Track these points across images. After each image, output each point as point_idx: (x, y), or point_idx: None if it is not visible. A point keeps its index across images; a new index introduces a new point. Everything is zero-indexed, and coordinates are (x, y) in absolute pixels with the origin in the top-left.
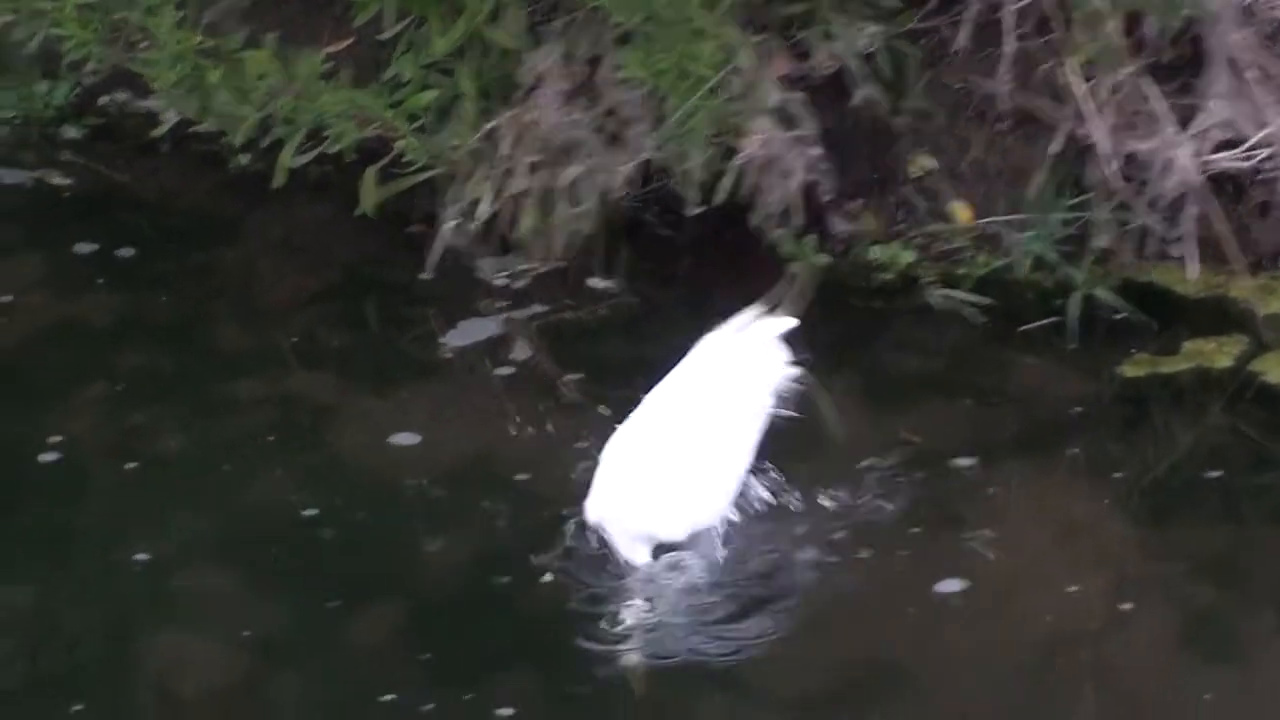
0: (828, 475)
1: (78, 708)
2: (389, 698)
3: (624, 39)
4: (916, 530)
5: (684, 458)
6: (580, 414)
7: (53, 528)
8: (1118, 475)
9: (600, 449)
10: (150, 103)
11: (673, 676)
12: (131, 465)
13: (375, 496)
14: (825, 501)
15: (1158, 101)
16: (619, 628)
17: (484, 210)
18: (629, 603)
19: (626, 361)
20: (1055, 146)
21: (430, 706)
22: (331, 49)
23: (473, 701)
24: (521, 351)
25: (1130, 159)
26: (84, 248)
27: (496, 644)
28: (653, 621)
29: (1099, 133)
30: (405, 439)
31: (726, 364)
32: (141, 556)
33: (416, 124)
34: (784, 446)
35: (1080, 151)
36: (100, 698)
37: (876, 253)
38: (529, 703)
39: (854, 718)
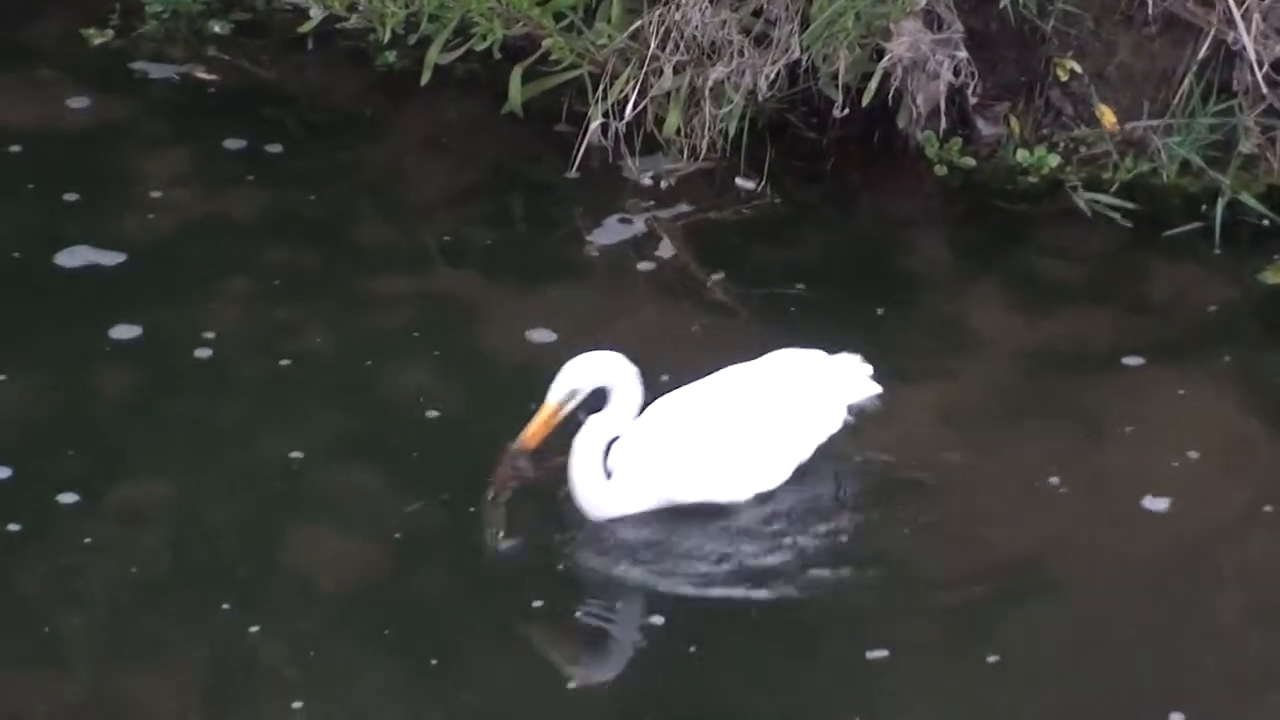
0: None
1: (226, 605)
2: (537, 603)
3: None
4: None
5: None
6: (723, 314)
7: (204, 422)
8: (1268, 382)
9: (731, 349)
10: None
11: (852, 555)
12: (283, 362)
13: (514, 392)
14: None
15: None
16: None
17: (630, 109)
18: None
19: (771, 262)
20: (1203, 50)
21: (575, 610)
22: None
23: (623, 610)
24: (665, 250)
25: (1278, 64)
26: (232, 144)
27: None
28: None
29: (1247, 37)
30: (543, 335)
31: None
32: (288, 453)
33: (563, 22)
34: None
35: (1228, 56)
36: (246, 592)
37: (1022, 156)
38: (677, 606)
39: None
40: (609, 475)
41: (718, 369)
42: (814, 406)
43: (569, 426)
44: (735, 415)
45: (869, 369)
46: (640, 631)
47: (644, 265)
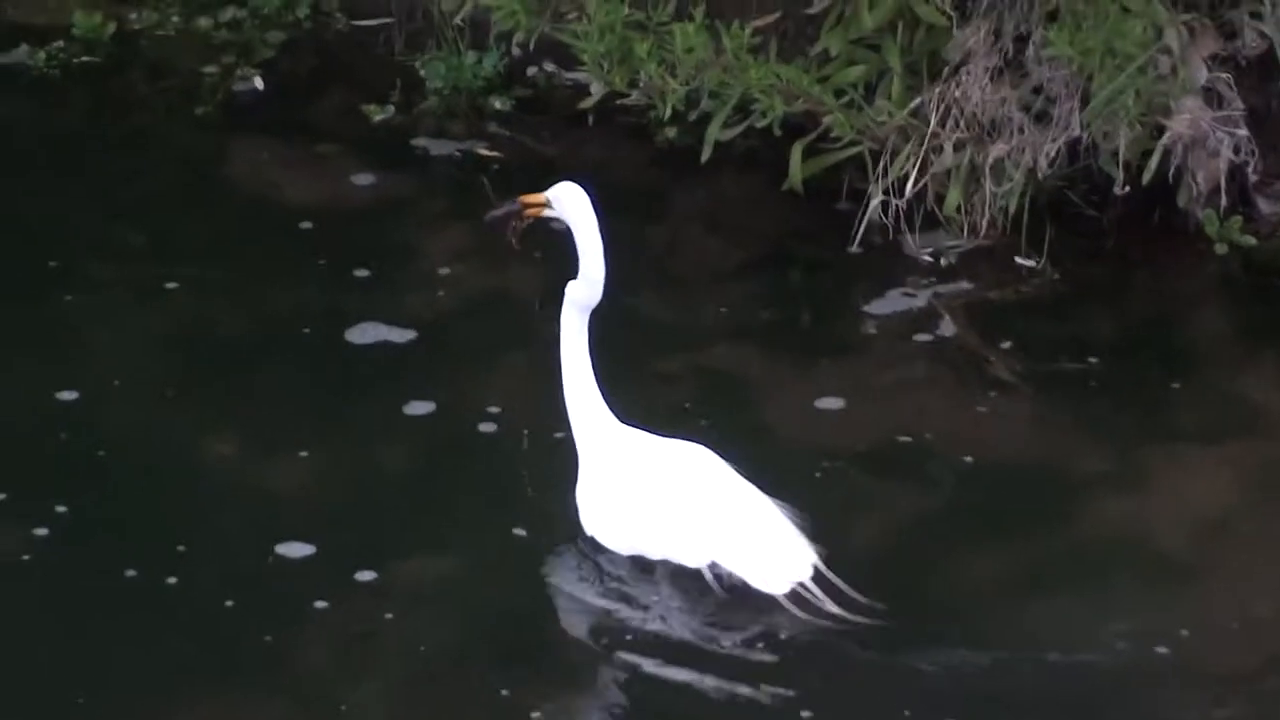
0: None
1: (504, 691)
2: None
3: (1052, 16)
4: None
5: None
6: (1008, 390)
7: (491, 498)
8: None
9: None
10: (578, 74)
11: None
12: (557, 434)
13: (802, 460)
14: None
15: None
16: None
17: (910, 186)
18: None
19: (1053, 339)
20: None
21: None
22: (759, 23)
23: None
24: (947, 327)
25: None
26: None
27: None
28: None
29: None
30: (830, 403)
31: None
32: (574, 530)
33: (844, 99)
34: None
35: None
36: (530, 673)
37: None
38: None
39: None
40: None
41: (1009, 445)
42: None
43: None
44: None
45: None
46: None
47: (926, 341)
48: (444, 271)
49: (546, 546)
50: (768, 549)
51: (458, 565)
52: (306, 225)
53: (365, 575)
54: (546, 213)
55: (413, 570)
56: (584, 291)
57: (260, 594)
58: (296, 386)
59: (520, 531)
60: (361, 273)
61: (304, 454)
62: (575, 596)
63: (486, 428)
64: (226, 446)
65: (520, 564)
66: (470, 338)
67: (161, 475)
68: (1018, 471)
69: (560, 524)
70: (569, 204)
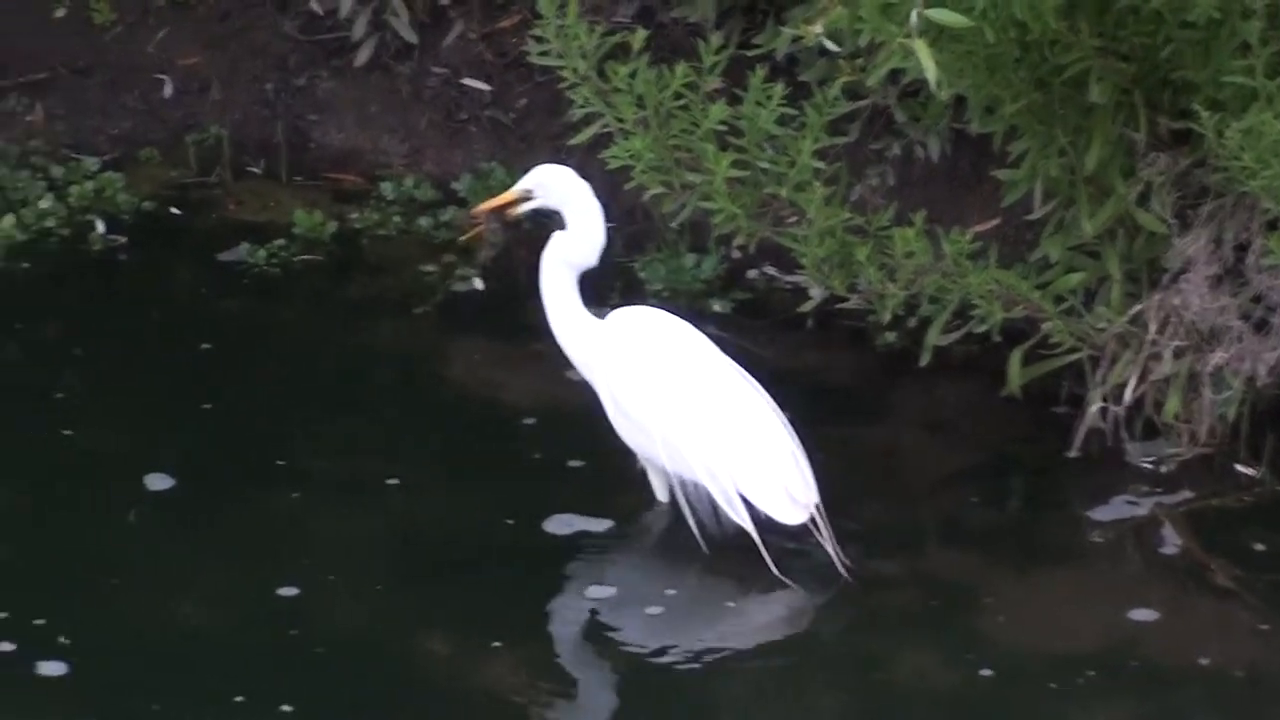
0: None
1: None
2: None
3: (1272, 225)
4: None
5: None
6: (1231, 599)
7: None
8: None
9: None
10: (797, 278)
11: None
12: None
13: (1028, 668)
14: None
15: None
16: None
17: (1129, 393)
18: None
19: (1275, 547)
20: None
21: None
22: (979, 228)
23: None
24: (1168, 535)
25: None
26: None
27: None
28: None
29: None
30: (1052, 609)
31: None
32: None
33: (1063, 305)
34: None
35: None
36: None
37: None
38: None
39: None
40: None
41: (1232, 653)
42: None
43: None
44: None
45: None
46: None
47: (1146, 550)
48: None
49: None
50: (787, 480)
51: None
52: (529, 421)
53: None
54: (529, 205)
55: None
56: (578, 250)
57: None
58: (498, 579)
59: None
60: (576, 462)
61: (497, 644)
62: None
63: (653, 610)
64: (437, 643)
65: None
66: (654, 530)
67: (379, 673)
68: (1242, 680)
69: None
70: (557, 186)
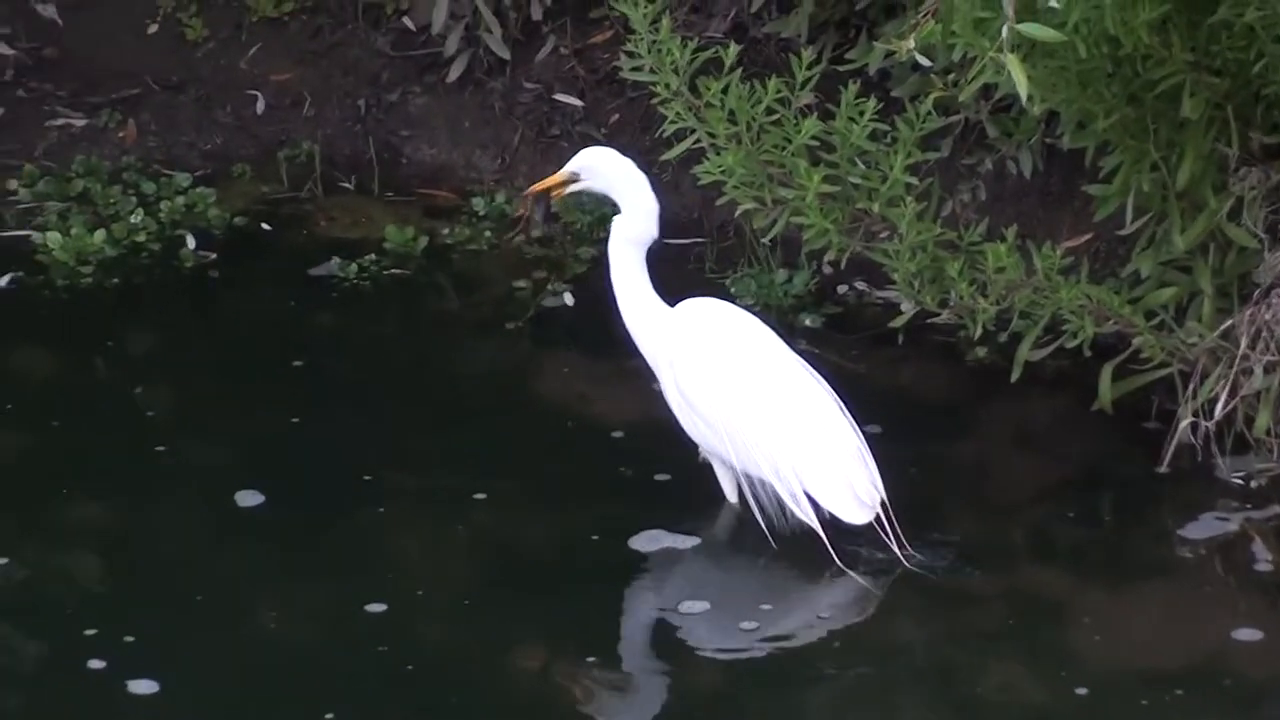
0: None
1: None
2: None
3: None
4: None
5: None
6: None
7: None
8: None
9: None
10: (888, 293)
11: None
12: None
13: (1122, 686)
14: None
15: None
16: None
17: (1220, 408)
18: None
19: None
20: None
21: None
22: (1070, 243)
23: None
24: (1259, 550)
25: None
26: None
27: None
28: None
29: None
30: (1143, 627)
31: None
32: None
33: (1154, 320)
34: None
35: None
36: None
37: None
38: None
39: None
40: None
41: None
42: None
43: None
44: None
45: None
46: None
47: (1237, 566)
48: None
49: None
50: (853, 478)
51: None
52: (617, 435)
53: None
54: (576, 187)
55: None
56: (637, 227)
57: None
58: (587, 595)
59: None
60: (663, 476)
61: (591, 658)
62: None
63: (747, 625)
64: (527, 659)
65: None
66: (744, 545)
67: (469, 689)
68: None
69: None
70: (603, 167)
